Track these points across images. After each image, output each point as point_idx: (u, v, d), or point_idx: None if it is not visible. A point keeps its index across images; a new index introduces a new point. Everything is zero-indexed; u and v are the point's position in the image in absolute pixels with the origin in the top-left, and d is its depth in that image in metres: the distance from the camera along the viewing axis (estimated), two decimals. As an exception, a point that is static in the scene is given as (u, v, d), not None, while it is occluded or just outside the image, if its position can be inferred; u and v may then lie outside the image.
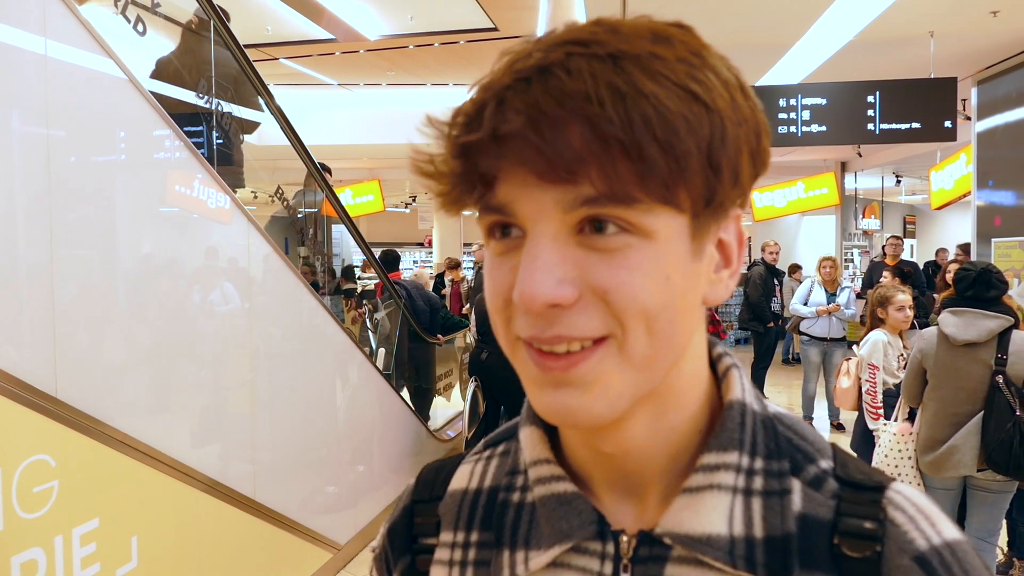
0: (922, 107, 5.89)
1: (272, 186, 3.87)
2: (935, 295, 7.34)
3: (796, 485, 0.47)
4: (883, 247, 9.17)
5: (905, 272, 7.59)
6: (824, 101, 6.08)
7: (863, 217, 12.10)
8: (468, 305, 9.28)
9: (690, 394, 0.48)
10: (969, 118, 6.38)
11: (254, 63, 3.20)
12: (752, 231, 13.92)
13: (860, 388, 3.70)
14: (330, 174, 5.22)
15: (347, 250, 5.99)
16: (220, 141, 3.01)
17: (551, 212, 0.41)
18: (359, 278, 6.52)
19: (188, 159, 2.58)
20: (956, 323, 2.80)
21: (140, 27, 2.44)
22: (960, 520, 2.97)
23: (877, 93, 5.97)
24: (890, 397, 3.63)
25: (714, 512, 0.46)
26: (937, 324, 2.92)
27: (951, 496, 2.91)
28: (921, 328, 3.09)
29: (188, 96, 2.93)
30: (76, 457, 2.01)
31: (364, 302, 5.47)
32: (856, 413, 3.82)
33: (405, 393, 5.27)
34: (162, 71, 2.81)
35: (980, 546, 2.83)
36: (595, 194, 0.39)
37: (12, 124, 1.88)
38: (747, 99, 0.43)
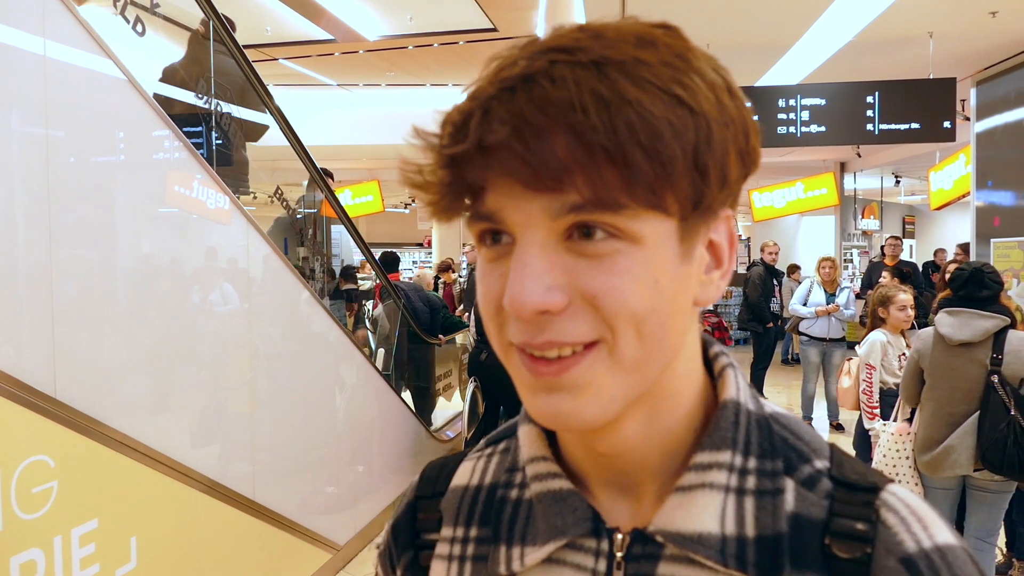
0: (921, 108, 5.90)
1: (271, 186, 3.87)
2: (934, 295, 7.34)
3: (790, 485, 0.47)
4: (882, 247, 9.17)
5: (904, 272, 7.60)
6: (823, 101, 6.09)
7: (862, 217, 12.11)
8: (460, 307, 9.28)
9: (684, 394, 0.49)
10: (968, 118, 6.39)
11: (254, 63, 3.20)
12: (751, 231, 13.93)
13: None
14: (332, 179, 5.24)
15: (347, 250, 5.99)
16: (220, 141, 3.01)
17: (539, 219, 0.41)
18: (361, 278, 6.52)
19: (187, 159, 2.58)
20: (952, 323, 2.81)
21: (139, 27, 2.44)
22: (960, 521, 2.98)
23: (876, 93, 5.97)
24: (891, 397, 3.63)
25: (706, 511, 0.46)
26: (934, 324, 2.93)
27: (950, 496, 2.91)
28: (921, 328, 3.09)
29: (188, 96, 2.93)
30: (75, 457, 2.01)
31: (363, 302, 5.48)
32: (857, 413, 3.84)
33: (405, 393, 5.27)
34: (169, 80, 2.85)
35: (979, 546, 2.83)
36: (582, 201, 0.40)
37: (11, 124, 1.88)
38: (734, 99, 0.43)
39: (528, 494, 0.52)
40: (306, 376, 3.56)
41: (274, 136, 3.57)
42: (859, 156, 10.51)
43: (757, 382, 7.19)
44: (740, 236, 15.82)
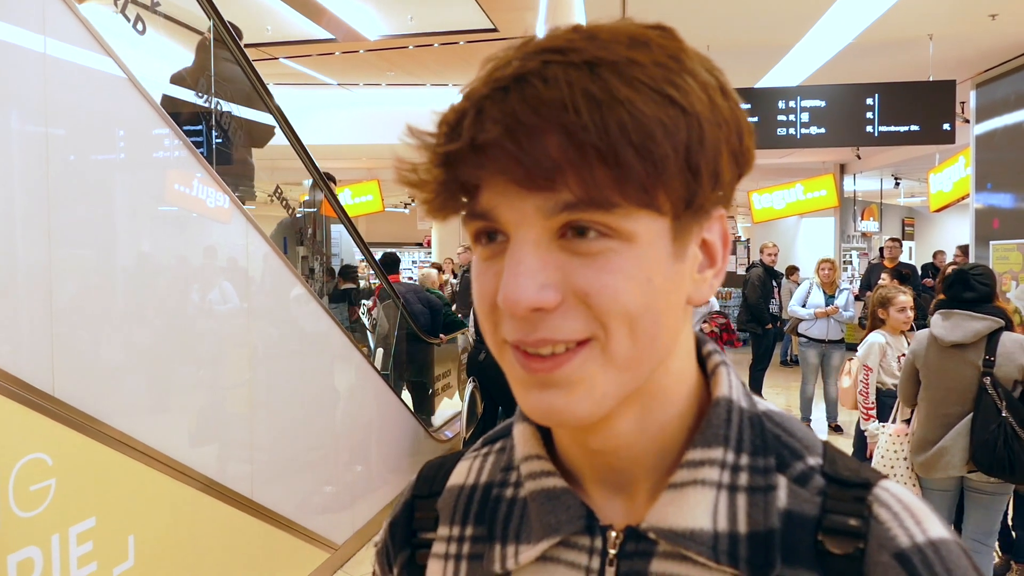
0: (921, 110, 5.90)
1: (271, 186, 3.87)
2: (932, 296, 7.35)
3: (782, 481, 0.47)
4: (881, 249, 9.18)
5: (903, 274, 7.61)
6: (823, 103, 6.09)
7: (862, 219, 12.12)
8: (453, 308, 9.28)
9: (677, 392, 0.49)
10: (968, 121, 6.39)
11: (255, 62, 3.20)
12: (751, 233, 13.94)
13: (859, 389, 3.73)
14: (335, 183, 5.24)
15: (347, 250, 5.99)
16: (220, 140, 3.02)
17: (532, 218, 0.41)
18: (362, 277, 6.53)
19: (187, 158, 2.58)
20: (944, 325, 2.84)
21: (140, 26, 2.44)
22: (960, 523, 2.98)
23: (876, 95, 5.98)
24: (889, 398, 3.64)
25: (698, 508, 0.46)
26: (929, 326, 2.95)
27: (947, 498, 2.92)
28: (919, 330, 3.11)
29: (188, 95, 2.94)
30: (73, 456, 2.01)
31: (363, 302, 5.48)
32: (857, 414, 3.85)
33: (404, 393, 5.27)
34: (177, 87, 2.88)
35: (976, 548, 2.83)
36: (574, 200, 0.40)
37: (11, 123, 1.88)
38: (727, 100, 0.43)
39: (522, 492, 0.52)
40: (305, 375, 3.55)
41: (276, 137, 3.58)
42: (859, 158, 10.52)
43: (756, 383, 7.19)
44: (740, 237, 15.77)
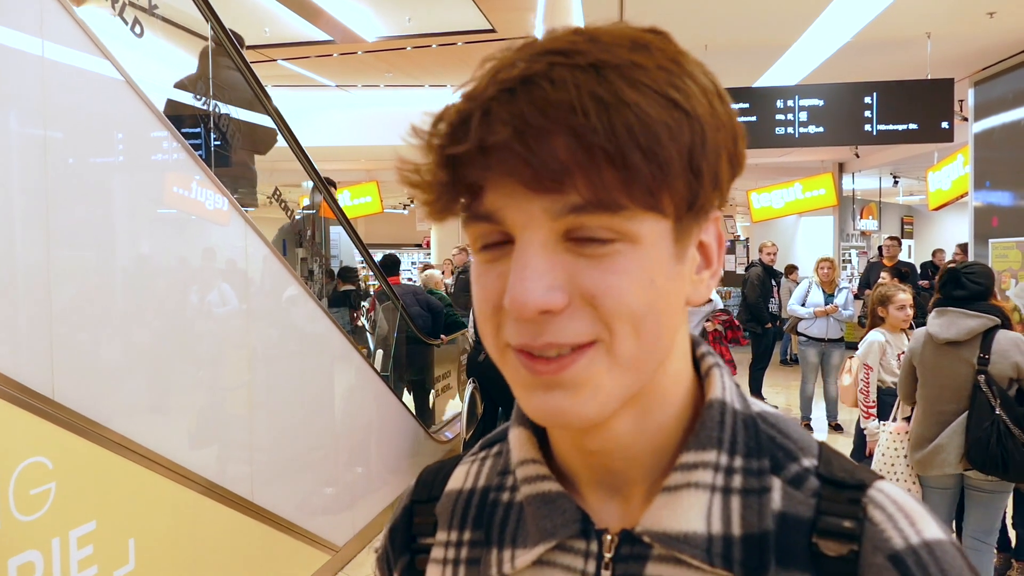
0: (919, 108, 5.90)
1: (270, 187, 3.87)
2: (930, 294, 7.35)
3: (776, 483, 0.47)
4: (880, 248, 9.18)
5: (902, 272, 7.61)
6: (821, 102, 6.09)
7: (861, 218, 12.12)
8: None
9: (674, 393, 0.49)
10: (966, 119, 6.40)
11: (252, 64, 3.20)
12: (750, 232, 13.94)
13: (859, 388, 3.73)
14: (335, 188, 5.25)
15: (347, 251, 5.99)
16: (218, 143, 3.02)
17: (539, 220, 0.41)
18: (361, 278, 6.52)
19: (186, 160, 2.58)
20: (939, 322, 2.86)
21: (137, 29, 2.44)
22: (961, 522, 2.98)
23: (874, 94, 5.98)
24: (889, 396, 3.65)
25: (692, 510, 0.46)
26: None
27: (948, 496, 2.92)
28: (918, 328, 3.12)
29: (186, 97, 2.94)
30: (73, 459, 2.01)
31: (363, 303, 5.47)
32: (858, 413, 3.86)
33: (404, 395, 5.27)
34: (180, 96, 2.90)
35: (976, 546, 2.83)
36: (582, 202, 0.40)
37: (9, 125, 1.88)
38: (723, 104, 0.44)
39: (519, 497, 0.52)
40: (304, 377, 3.55)
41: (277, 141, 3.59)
42: (857, 156, 10.53)
43: (755, 382, 7.19)
44: (739, 236, 15.75)
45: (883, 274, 7.50)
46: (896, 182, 12.42)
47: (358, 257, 5.33)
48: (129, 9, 2.42)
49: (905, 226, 14.82)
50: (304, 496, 3.43)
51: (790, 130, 6.12)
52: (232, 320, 2.93)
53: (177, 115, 2.83)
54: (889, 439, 3.12)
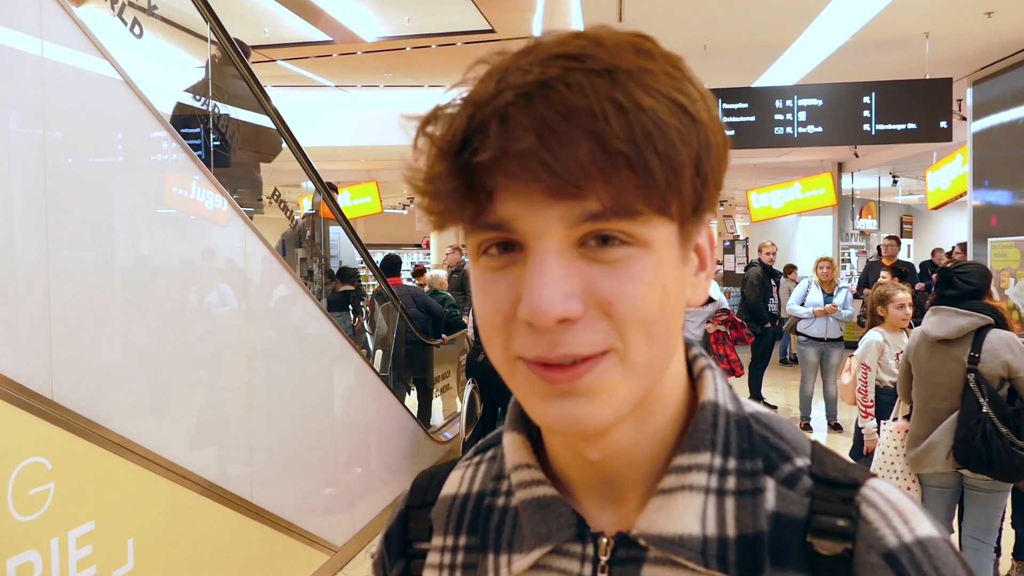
0: (918, 108, 5.91)
1: (269, 188, 3.88)
2: (928, 294, 7.36)
3: (770, 484, 0.47)
4: (879, 247, 9.19)
5: (902, 272, 7.61)
6: (820, 102, 6.10)
7: (860, 217, 12.12)
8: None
9: (672, 396, 0.49)
10: (965, 118, 6.40)
11: (252, 64, 3.20)
12: (749, 232, 13.95)
13: (859, 386, 3.74)
14: (336, 192, 5.25)
15: (346, 252, 5.99)
16: (217, 143, 3.02)
17: (556, 227, 0.41)
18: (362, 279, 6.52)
19: (185, 161, 2.58)
20: (932, 321, 2.89)
21: (137, 29, 2.44)
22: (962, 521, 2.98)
23: (873, 94, 5.98)
24: (888, 396, 3.65)
25: (686, 513, 0.46)
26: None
27: (946, 495, 2.92)
28: (916, 327, 3.14)
29: (186, 98, 2.94)
30: (72, 459, 2.01)
31: (361, 303, 5.47)
32: (856, 411, 3.87)
33: (404, 395, 5.26)
34: (188, 105, 2.94)
35: (975, 545, 2.83)
36: (600, 209, 0.40)
37: (8, 125, 1.88)
38: (716, 108, 0.45)
39: (514, 501, 0.52)
40: (304, 377, 3.55)
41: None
42: (856, 156, 10.53)
43: (755, 382, 7.19)
44: (738, 236, 15.72)
45: (882, 273, 7.50)
46: (895, 181, 12.42)
47: (358, 258, 5.33)
48: (128, 10, 2.42)
49: (904, 225, 14.83)
50: (303, 496, 3.43)
51: (789, 130, 6.12)
52: (231, 320, 2.93)
53: (178, 116, 2.83)
54: (889, 438, 3.12)
